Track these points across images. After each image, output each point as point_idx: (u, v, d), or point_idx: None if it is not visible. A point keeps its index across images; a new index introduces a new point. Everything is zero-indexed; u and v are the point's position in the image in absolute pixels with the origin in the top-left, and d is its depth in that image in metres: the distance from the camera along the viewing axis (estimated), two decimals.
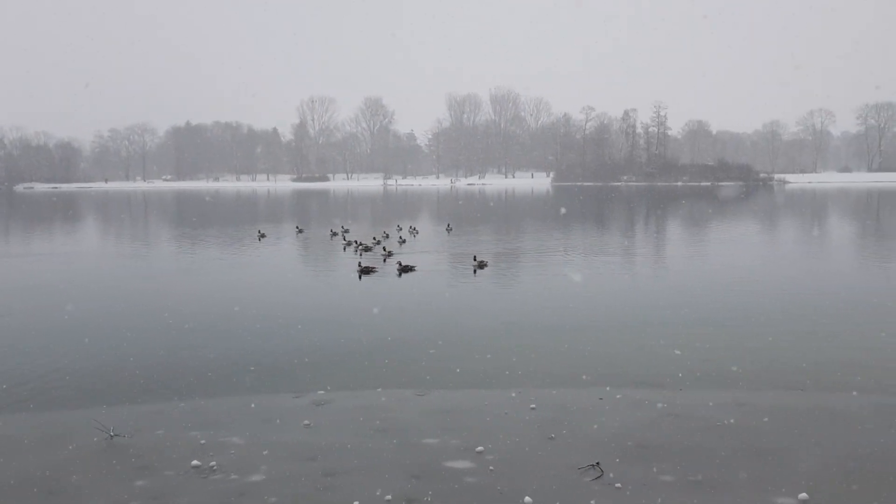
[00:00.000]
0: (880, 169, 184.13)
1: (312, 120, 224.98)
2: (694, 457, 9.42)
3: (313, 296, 23.88)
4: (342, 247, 36.59)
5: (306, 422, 11.05)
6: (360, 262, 28.52)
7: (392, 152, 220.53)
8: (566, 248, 37.39)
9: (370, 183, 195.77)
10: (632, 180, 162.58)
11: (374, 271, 27.35)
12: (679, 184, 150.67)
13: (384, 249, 33.16)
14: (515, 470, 9.09)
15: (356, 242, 36.13)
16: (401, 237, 39.91)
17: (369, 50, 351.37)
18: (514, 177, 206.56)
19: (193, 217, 70.60)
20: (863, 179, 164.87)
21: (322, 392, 12.72)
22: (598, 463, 9.17)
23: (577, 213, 67.63)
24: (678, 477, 8.80)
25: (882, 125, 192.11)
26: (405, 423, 10.96)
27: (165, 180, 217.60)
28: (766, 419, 10.84)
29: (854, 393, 12.22)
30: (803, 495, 8.19)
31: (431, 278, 26.59)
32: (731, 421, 10.77)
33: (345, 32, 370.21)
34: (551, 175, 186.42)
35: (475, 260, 28.32)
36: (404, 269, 27.23)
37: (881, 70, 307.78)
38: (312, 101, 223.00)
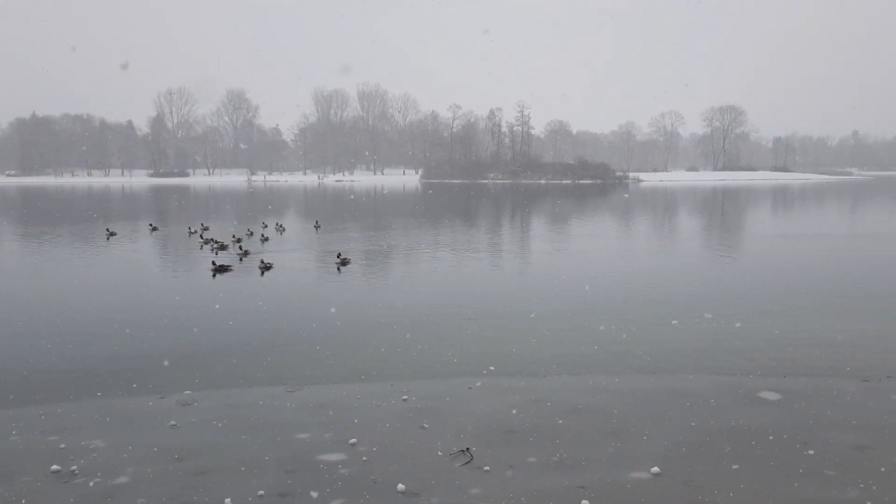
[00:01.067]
0: (724, 168, 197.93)
1: (171, 113, 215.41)
2: (556, 438, 9.94)
3: (168, 296, 22.74)
4: (199, 245, 35.30)
5: (172, 422, 10.76)
6: (213, 261, 27.62)
7: (256, 147, 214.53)
8: (435, 244, 37.93)
9: (234, 179, 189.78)
10: (498, 178, 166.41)
11: (229, 270, 26.63)
12: (542, 181, 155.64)
13: (240, 248, 32.14)
14: (388, 459, 9.27)
15: (212, 241, 34.99)
16: (263, 235, 38.56)
17: (233, 42, 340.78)
18: (382, 173, 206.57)
19: (38, 215, 66.07)
20: (709, 178, 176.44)
21: (188, 392, 12.40)
22: (468, 448, 9.51)
23: (446, 210, 68.64)
24: (542, 458, 9.28)
25: (726, 127, 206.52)
26: (277, 419, 10.90)
27: (8, 175, 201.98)
28: (621, 401, 11.59)
29: (700, 374, 13.25)
30: (655, 469, 8.86)
31: (295, 276, 26.36)
32: (591, 403, 11.44)
33: (208, 23, 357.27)
34: (420, 172, 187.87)
35: (338, 257, 28.15)
36: (266, 268, 26.73)
37: (726, 75, 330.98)
38: (171, 94, 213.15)
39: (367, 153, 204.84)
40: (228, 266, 27.05)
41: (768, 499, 8.12)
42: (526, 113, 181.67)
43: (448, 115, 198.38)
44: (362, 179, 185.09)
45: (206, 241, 35.61)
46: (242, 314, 19.12)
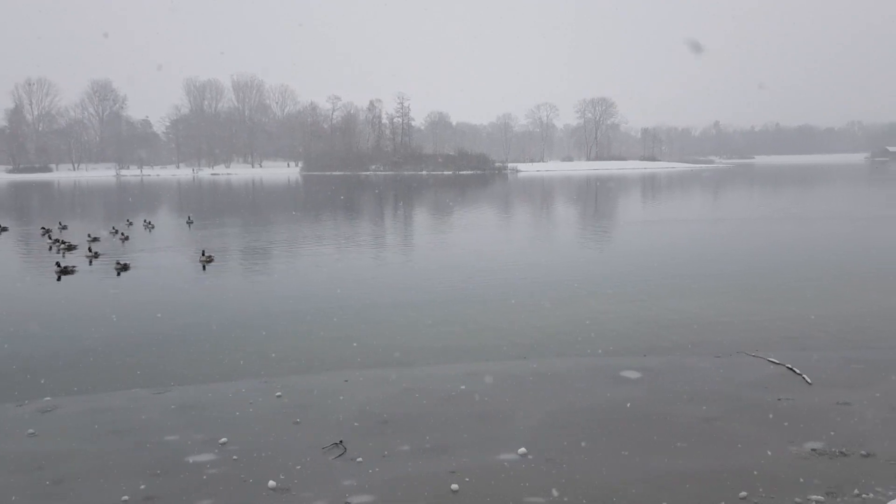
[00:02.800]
0: (597, 158, 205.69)
1: (31, 104, 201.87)
2: (428, 426, 10.14)
3: (14, 302, 21.27)
4: (48, 246, 32.77)
5: (31, 430, 10.21)
6: (58, 263, 25.92)
7: (125, 140, 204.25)
8: (315, 237, 37.50)
9: (102, 173, 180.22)
10: (380, 169, 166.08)
11: (74, 271, 25.02)
12: (424, 173, 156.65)
13: (90, 250, 29.72)
14: (260, 457, 9.17)
15: (59, 241, 32.59)
16: (123, 233, 36.23)
17: (98, 30, 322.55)
18: (261, 166, 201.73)
19: None
20: (582, 167, 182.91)
21: (48, 398, 11.79)
22: (341, 441, 9.55)
23: (327, 203, 67.94)
24: (414, 445, 9.44)
25: (598, 118, 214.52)
26: (143, 422, 10.54)
27: None
28: (492, 386, 11.93)
29: (568, 357, 13.81)
30: (522, 449, 9.20)
31: (157, 275, 25.25)
32: (462, 389, 11.72)
33: (70, 7, 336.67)
34: (300, 164, 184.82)
35: (203, 255, 27.32)
36: (122, 268, 25.44)
37: (598, 69, 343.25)
38: (30, 84, 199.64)
39: (244, 146, 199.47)
40: (73, 268, 25.42)
41: (624, 471, 8.60)
42: (406, 105, 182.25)
43: (328, 106, 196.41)
44: (240, 173, 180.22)
45: (55, 242, 33.06)
46: (100, 317, 18.28)
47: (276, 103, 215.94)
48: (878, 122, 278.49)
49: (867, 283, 21.25)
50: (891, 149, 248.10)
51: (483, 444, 9.49)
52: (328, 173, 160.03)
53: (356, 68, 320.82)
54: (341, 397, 11.52)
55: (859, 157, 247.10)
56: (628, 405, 10.89)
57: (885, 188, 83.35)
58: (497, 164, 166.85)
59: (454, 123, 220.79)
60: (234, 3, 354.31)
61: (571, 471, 8.61)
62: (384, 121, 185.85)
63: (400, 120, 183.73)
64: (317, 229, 42.36)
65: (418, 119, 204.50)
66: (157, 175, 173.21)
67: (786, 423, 10.04)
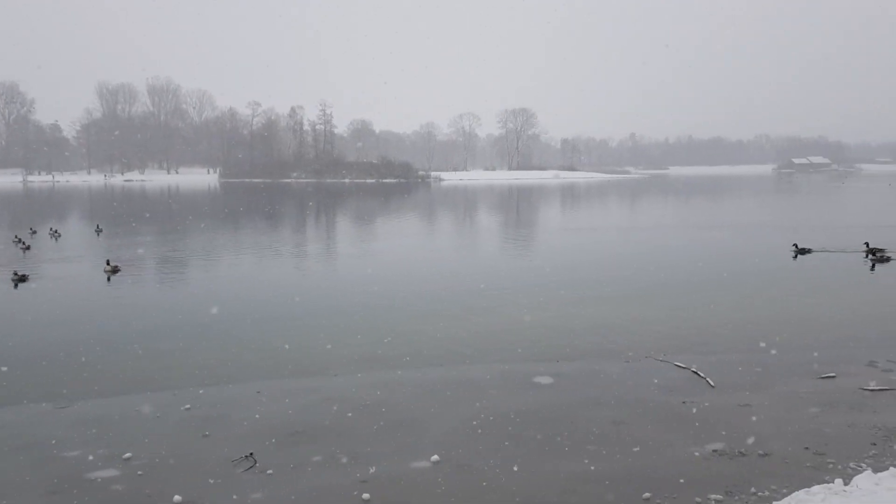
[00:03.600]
0: (518, 167, 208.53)
1: None
2: (342, 435, 10.08)
3: None
4: None
5: None
6: None
7: (33, 145, 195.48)
8: (232, 246, 36.74)
9: (7, 179, 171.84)
10: (301, 177, 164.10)
11: None
12: (347, 181, 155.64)
13: None
14: (166, 471, 8.93)
15: None
16: (25, 243, 34.45)
17: (6, 31, 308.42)
18: (177, 172, 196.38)
19: None
20: (504, 176, 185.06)
21: None
22: (251, 453, 9.38)
23: (246, 211, 66.66)
24: (326, 456, 9.37)
25: (518, 128, 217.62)
26: (43, 438, 10.11)
27: None
28: (406, 395, 11.95)
29: (483, 364, 13.92)
30: (435, 457, 9.24)
31: (58, 287, 24.01)
32: (377, 398, 11.69)
33: None
34: (218, 171, 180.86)
35: (108, 265, 26.30)
36: (20, 279, 24.12)
37: (520, 81, 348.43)
38: None
39: (159, 151, 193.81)
40: None
41: (534, 475, 8.75)
42: (328, 112, 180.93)
43: (247, 112, 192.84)
44: (154, 179, 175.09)
45: None
46: None
47: (194, 108, 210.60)
48: (785, 134, 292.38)
49: (767, 289, 22.19)
50: (796, 160, 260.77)
51: (396, 452, 9.49)
52: (248, 180, 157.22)
53: (278, 74, 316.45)
54: (253, 409, 11.33)
55: (767, 169, 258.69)
56: (540, 410, 11.08)
57: (787, 198, 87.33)
58: (420, 173, 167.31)
59: (377, 131, 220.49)
60: (152, 4, 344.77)
61: (482, 477, 8.70)
62: (306, 128, 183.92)
63: (322, 127, 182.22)
64: (235, 238, 41.50)
65: (341, 126, 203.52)
66: (67, 181, 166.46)
67: (689, 425, 10.41)
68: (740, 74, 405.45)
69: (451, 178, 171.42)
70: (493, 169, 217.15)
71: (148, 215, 62.29)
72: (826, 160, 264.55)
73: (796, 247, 30.11)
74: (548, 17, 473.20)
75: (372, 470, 8.90)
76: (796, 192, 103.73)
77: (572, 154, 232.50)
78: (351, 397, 11.80)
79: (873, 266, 26.66)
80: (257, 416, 10.98)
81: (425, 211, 68.91)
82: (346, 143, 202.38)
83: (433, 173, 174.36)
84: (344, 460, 9.22)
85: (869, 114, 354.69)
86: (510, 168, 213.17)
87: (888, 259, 27.41)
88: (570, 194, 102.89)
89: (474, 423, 10.58)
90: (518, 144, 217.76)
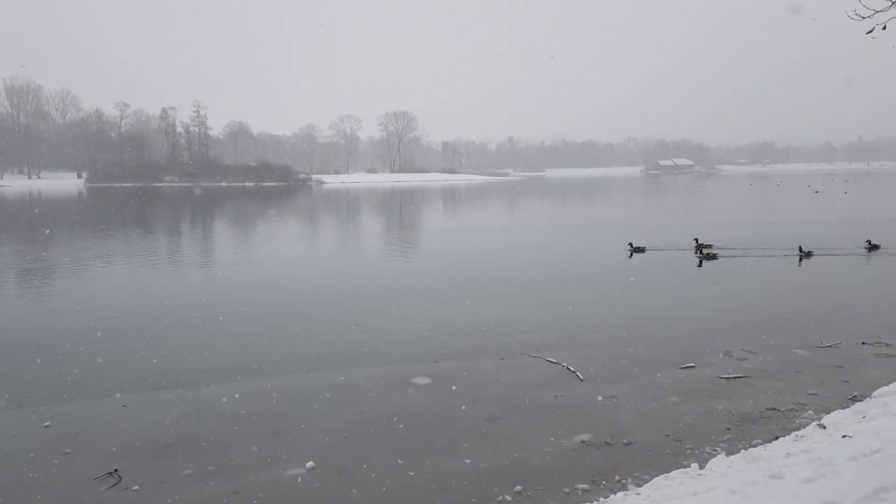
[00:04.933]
0: (400, 170, 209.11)
1: None
2: (214, 446, 9.82)
3: None
4: None
5: None
6: None
7: None
8: (101, 255, 34.94)
9: None
10: (175, 181, 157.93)
11: None
12: (223, 184, 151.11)
13: None
14: (24, 492, 8.43)
15: None
16: None
17: None
18: (39, 177, 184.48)
19: None
20: (387, 179, 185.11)
21: None
22: (116, 470, 9.00)
23: (117, 217, 63.53)
24: (197, 468, 9.10)
25: (400, 131, 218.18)
26: None
27: None
28: (282, 402, 11.77)
29: (362, 368, 13.90)
30: (310, 463, 9.16)
31: None
32: (251, 406, 11.45)
33: None
34: (85, 176, 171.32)
35: None
36: None
37: (402, 83, 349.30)
38: None
39: (19, 155, 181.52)
40: None
41: (411, 476, 8.83)
42: (203, 113, 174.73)
43: (115, 113, 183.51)
44: (14, 185, 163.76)
45: None
46: None
47: (57, 109, 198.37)
48: (651, 137, 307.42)
49: (634, 287, 23.27)
50: (662, 162, 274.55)
51: (270, 461, 9.34)
52: (117, 185, 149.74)
53: (149, 75, 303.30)
54: (120, 423, 10.85)
55: (635, 171, 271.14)
56: (418, 411, 11.19)
57: (650, 199, 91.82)
58: (301, 176, 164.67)
59: (255, 134, 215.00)
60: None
61: (359, 481, 8.70)
62: (179, 130, 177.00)
63: (196, 129, 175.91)
64: (103, 246, 39.46)
65: (217, 128, 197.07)
66: None
67: (560, 419, 10.79)
68: (609, 80, 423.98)
69: (333, 181, 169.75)
70: (375, 171, 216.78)
71: (6, 224, 58.23)
72: (690, 162, 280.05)
73: (631, 246, 31.41)
74: (427, 20, 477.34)
75: (244, 480, 8.72)
76: (660, 192, 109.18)
77: (453, 157, 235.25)
78: (224, 407, 11.50)
79: (700, 263, 28.23)
80: (123, 430, 10.53)
81: (307, 215, 67.95)
82: (223, 146, 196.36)
83: (314, 176, 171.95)
84: (215, 472, 8.99)
85: (727, 118, 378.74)
86: (392, 171, 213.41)
87: (714, 256, 29.13)
88: (451, 196, 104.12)
89: (351, 427, 10.55)
90: (399, 147, 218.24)
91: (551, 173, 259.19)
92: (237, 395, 12.11)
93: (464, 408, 11.33)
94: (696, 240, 31.37)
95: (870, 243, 30.00)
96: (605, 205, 79.10)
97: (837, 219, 51.02)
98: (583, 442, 9.85)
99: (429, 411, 11.19)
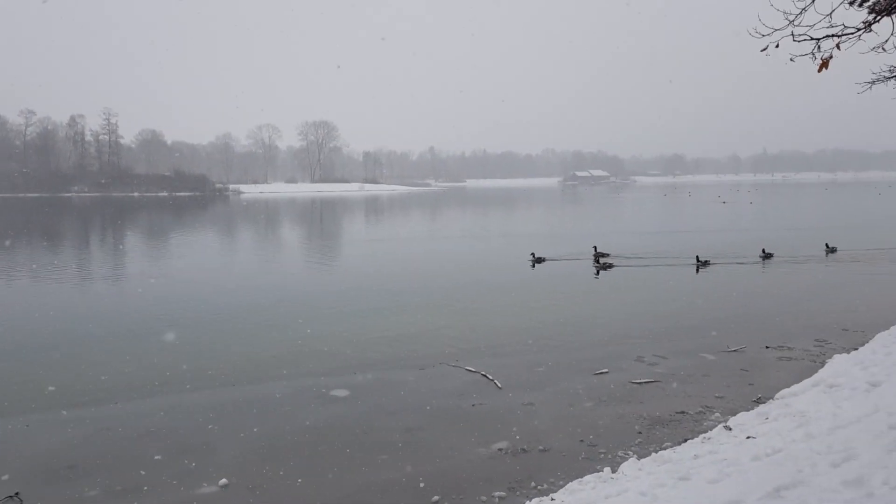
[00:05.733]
0: (321, 180, 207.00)
1: None
2: (122, 466, 9.48)
3: None
4: None
5: None
6: None
7: None
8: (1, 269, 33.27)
9: None
10: (84, 191, 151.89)
11: None
12: (136, 194, 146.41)
13: None
14: None
15: None
16: None
17: None
18: None
19: None
20: (307, 189, 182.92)
21: None
22: (17, 493, 8.59)
23: (19, 228, 60.62)
24: (104, 489, 8.78)
25: (320, 141, 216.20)
26: None
27: None
28: (195, 418, 11.47)
29: (278, 381, 13.66)
30: (223, 481, 8.96)
31: None
32: (165, 424, 11.12)
33: None
34: None
35: None
36: None
37: (320, 92, 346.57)
38: None
39: None
40: None
41: (326, 490, 8.74)
42: (113, 121, 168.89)
43: (20, 121, 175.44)
44: None
45: None
46: None
47: None
48: (569, 149, 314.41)
49: (549, 293, 23.70)
50: (579, 173, 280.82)
51: (182, 479, 9.08)
52: (21, 195, 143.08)
53: (58, 82, 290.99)
54: (22, 444, 10.37)
55: (554, 181, 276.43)
56: (335, 424, 11.08)
57: (564, 209, 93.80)
58: (218, 186, 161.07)
59: (169, 142, 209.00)
60: None
61: (273, 497, 8.56)
62: (88, 138, 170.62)
63: (107, 137, 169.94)
64: (4, 260, 37.59)
65: (128, 137, 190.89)
66: None
67: (478, 427, 10.87)
68: (528, 92, 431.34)
69: (251, 190, 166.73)
70: (295, 181, 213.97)
71: None
72: (605, 173, 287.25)
73: (533, 256, 31.67)
74: (346, 28, 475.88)
75: (154, 500, 8.45)
76: (576, 203, 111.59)
77: (374, 167, 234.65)
78: (134, 424, 11.12)
79: (598, 272, 28.73)
80: (26, 451, 10.06)
81: (223, 226, 66.49)
82: (135, 155, 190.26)
83: (232, 186, 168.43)
84: (123, 492, 8.69)
85: (641, 131, 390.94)
86: (313, 180, 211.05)
87: (611, 265, 29.74)
88: (373, 207, 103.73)
89: (267, 442, 10.37)
90: (320, 157, 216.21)
91: (472, 184, 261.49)
92: (147, 413, 11.74)
93: (381, 419, 11.29)
94: (595, 248, 32.21)
95: (764, 252, 31.35)
96: (523, 215, 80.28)
97: (741, 228, 53.22)
98: (500, 449, 9.95)
99: (346, 424, 11.10)
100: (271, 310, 21.20)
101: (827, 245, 33.13)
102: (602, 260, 30.53)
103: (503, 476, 9.06)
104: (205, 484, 8.89)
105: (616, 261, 30.84)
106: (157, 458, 9.77)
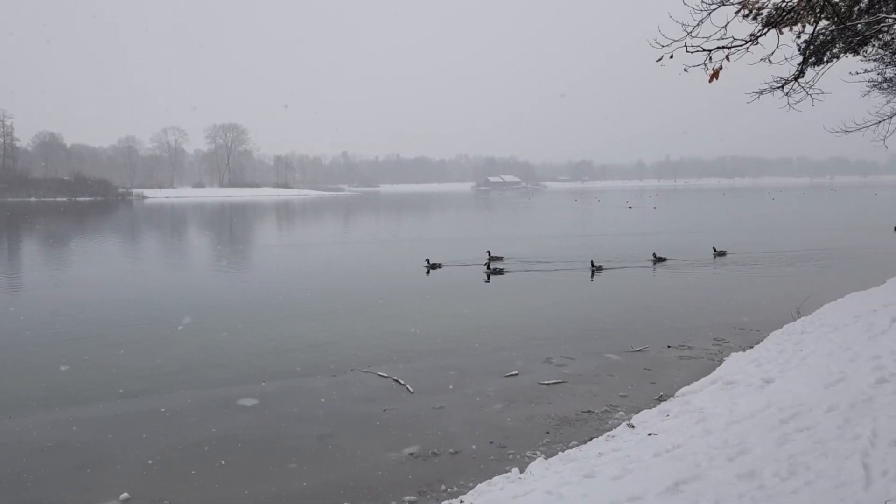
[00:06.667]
0: (230, 184, 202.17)
1: None
2: (16, 484, 9.07)
3: None
4: None
5: None
6: None
7: None
8: None
9: None
10: None
11: None
12: (33, 199, 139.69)
13: None
14: None
15: None
16: None
17: None
18: None
19: None
20: (216, 194, 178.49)
21: None
22: None
23: None
24: None
25: (229, 144, 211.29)
26: None
27: None
28: (95, 431, 11.03)
29: (184, 391, 13.26)
30: (125, 495, 8.64)
31: None
32: (61, 439, 10.65)
33: None
34: None
35: None
36: None
37: (229, 95, 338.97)
38: None
39: None
40: None
41: (234, 501, 8.54)
42: (8, 123, 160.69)
43: None
44: None
45: None
46: None
47: None
48: (482, 155, 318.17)
49: (458, 298, 23.91)
50: (491, 179, 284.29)
51: (81, 494, 8.74)
52: None
53: None
54: None
55: (467, 186, 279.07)
56: (243, 433, 10.85)
57: (476, 214, 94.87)
58: (121, 190, 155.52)
59: (69, 145, 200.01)
60: None
61: None
62: None
63: (0, 140, 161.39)
64: None
65: (25, 139, 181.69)
66: None
67: (389, 432, 10.86)
68: (442, 98, 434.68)
69: (155, 195, 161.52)
70: (203, 186, 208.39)
71: None
72: (517, 179, 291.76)
73: (428, 262, 31.40)
74: (258, 30, 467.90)
75: None
76: (488, 208, 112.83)
77: (286, 171, 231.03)
78: (28, 440, 10.60)
79: (488, 278, 28.75)
80: None
81: (125, 232, 64.11)
82: (32, 159, 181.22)
83: (135, 191, 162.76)
84: None
85: (550, 137, 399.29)
86: (221, 185, 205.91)
87: (501, 271, 29.82)
88: (284, 212, 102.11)
89: (171, 454, 10.06)
90: (229, 161, 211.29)
91: (386, 188, 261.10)
92: (43, 427, 11.21)
93: (292, 427, 11.14)
94: (489, 252, 32.63)
95: (655, 256, 32.45)
96: (435, 220, 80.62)
97: (644, 232, 54.84)
98: (411, 454, 9.96)
99: (254, 433, 10.89)
100: (175, 319, 20.49)
101: (714, 249, 34.53)
102: (492, 265, 30.54)
103: (414, 480, 9.08)
104: (105, 499, 8.57)
105: (512, 265, 31.14)
106: (53, 474, 9.36)
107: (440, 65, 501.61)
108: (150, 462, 9.75)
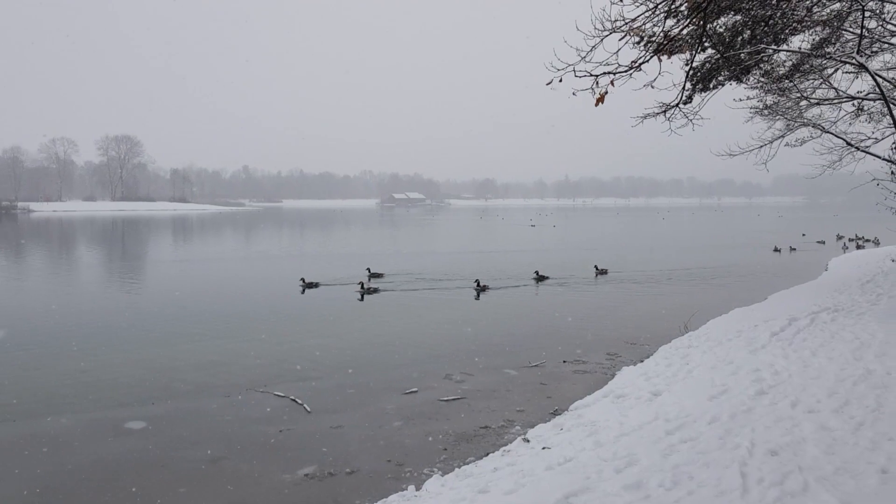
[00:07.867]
0: (123, 198, 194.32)
1: None
2: None
3: None
4: None
5: None
6: None
7: None
8: None
9: None
10: None
11: None
12: None
13: None
14: None
15: None
16: None
17: None
18: None
19: None
20: (108, 208, 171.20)
21: None
22: None
23: None
24: None
25: (122, 157, 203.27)
26: None
27: None
28: None
29: (66, 415, 12.60)
30: None
31: None
32: None
33: None
34: None
35: None
36: None
37: (121, 106, 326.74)
38: None
39: None
40: None
41: None
42: None
43: None
44: None
45: None
46: None
47: None
48: (386, 171, 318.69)
49: (355, 316, 23.76)
50: (396, 195, 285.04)
51: None
52: None
53: None
54: None
55: (371, 203, 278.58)
56: (130, 458, 10.41)
57: (384, 230, 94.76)
58: (4, 203, 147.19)
59: None
60: None
61: None
62: None
63: None
64: None
65: None
66: None
67: (285, 453, 10.66)
68: (346, 114, 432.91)
69: (43, 209, 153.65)
70: (95, 199, 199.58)
71: None
72: (422, 195, 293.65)
73: (303, 281, 30.79)
74: (148, 42, 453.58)
75: None
76: (391, 224, 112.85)
77: (184, 185, 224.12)
78: None
79: (362, 297, 27.94)
80: None
81: (6, 247, 60.52)
82: None
83: (21, 204, 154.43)
84: None
85: (454, 155, 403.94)
86: (114, 199, 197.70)
87: (376, 290, 29.24)
88: (180, 227, 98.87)
89: (51, 480, 9.55)
90: (122, 174, 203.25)
91: (289, 204, 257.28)
92: None
93: (182, 450, 10.76)
94: (369, 269, 32.65)
95: (538, 274, 33.21)
96: (335, 236, 79.93)
97: (538, 248, 56.05)
98: (306, 475, 9.80)
99: (142, 457, 10.46)
100: (59, 338, 19.52)
101: (596, 267, 35.68)
102: (368, 285, 29.65)
103: (308, 502, 8.94)
104: None
105: (398, 282, 31.03)
106: None
107: (348, 81, 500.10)
108: (28, 490, 9.22)
